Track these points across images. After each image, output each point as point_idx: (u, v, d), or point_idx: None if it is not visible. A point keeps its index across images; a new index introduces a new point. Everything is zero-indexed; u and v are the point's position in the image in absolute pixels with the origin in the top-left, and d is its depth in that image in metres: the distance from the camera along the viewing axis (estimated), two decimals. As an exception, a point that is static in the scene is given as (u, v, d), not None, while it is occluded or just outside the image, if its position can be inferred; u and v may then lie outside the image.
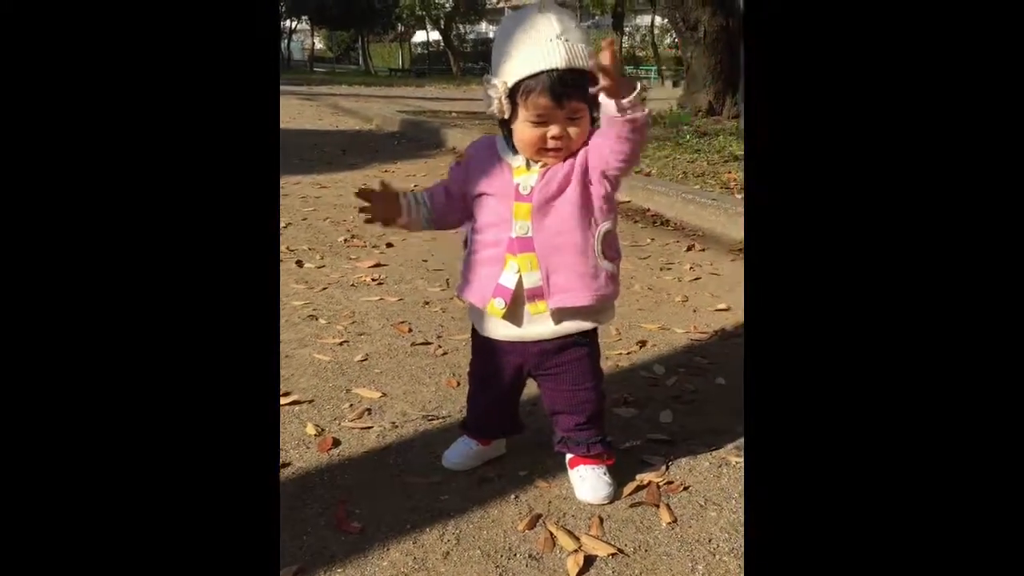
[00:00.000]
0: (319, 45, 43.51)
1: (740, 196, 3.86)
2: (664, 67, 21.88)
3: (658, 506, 1.43)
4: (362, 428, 1.72)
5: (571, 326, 1.38)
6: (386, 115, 8.77)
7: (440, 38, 34.42)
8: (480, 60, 36.12)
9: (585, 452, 1.46)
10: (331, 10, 30.97)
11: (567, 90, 1.22)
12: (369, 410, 1.82)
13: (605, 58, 1.12)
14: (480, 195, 1.37)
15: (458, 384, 1.97)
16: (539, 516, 1.40)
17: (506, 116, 1.29)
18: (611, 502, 1.43)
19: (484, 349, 1.47)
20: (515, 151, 1.34)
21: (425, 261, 3.13)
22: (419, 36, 39.56)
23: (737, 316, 2.54)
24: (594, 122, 1.30)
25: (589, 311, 1.38)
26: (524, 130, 1.28)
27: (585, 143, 1.31)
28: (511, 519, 1.39)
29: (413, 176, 5.24)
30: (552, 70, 1.21)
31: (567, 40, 1.22)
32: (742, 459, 1.62)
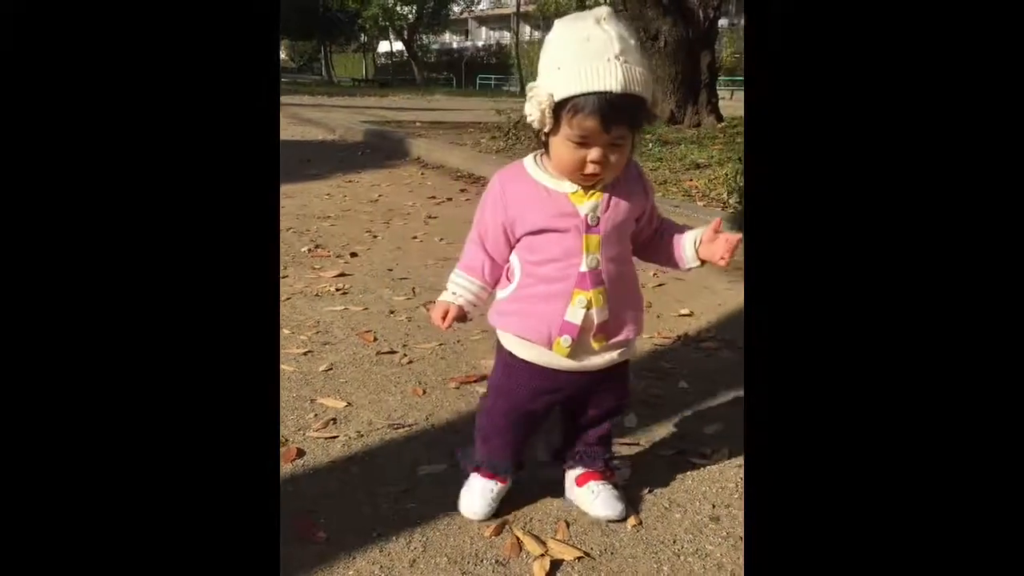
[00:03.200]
0: (282, 56, 43.20)
1: (702, 203, 3.92)
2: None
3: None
4: (327, 438, 1.71)
5: (625, 353, 1.35)
6: (349, 125, 8.73)
7: (404, 48, 34.38)
8: (444, 70, 36.17)
9: (602, 468, 1.44)
10: (293, 20, 30.77)
11: (617, 115, 1.12)
12: (334, 420, 1.80)
13: (729, 246, 1.23)
14: (536, 232, 1.24)
15: (424, 392, 1.97)
16: (505, 522, 1.40)
17: (546, 129, 1.17)
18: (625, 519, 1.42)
19: (525, 377, 1.34)
20: (547, 171, 1.24)
21: (390, 270, 3.13)
22: (383, 46, 39.47)
23: (700, 321, 2.57)
24: (634, 148, 1.25)
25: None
26: (563, 149, 1.17)
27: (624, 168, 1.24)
28: (477, 525, 1.39)
29: (378, 186, 5.22)
30: (606, 92, 1.10)
31: (626, 62, 1.11)
32: (706, 461, 1.64)
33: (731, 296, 2.82)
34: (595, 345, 1.28)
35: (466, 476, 1.46)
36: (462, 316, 1.35)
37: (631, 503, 1.45)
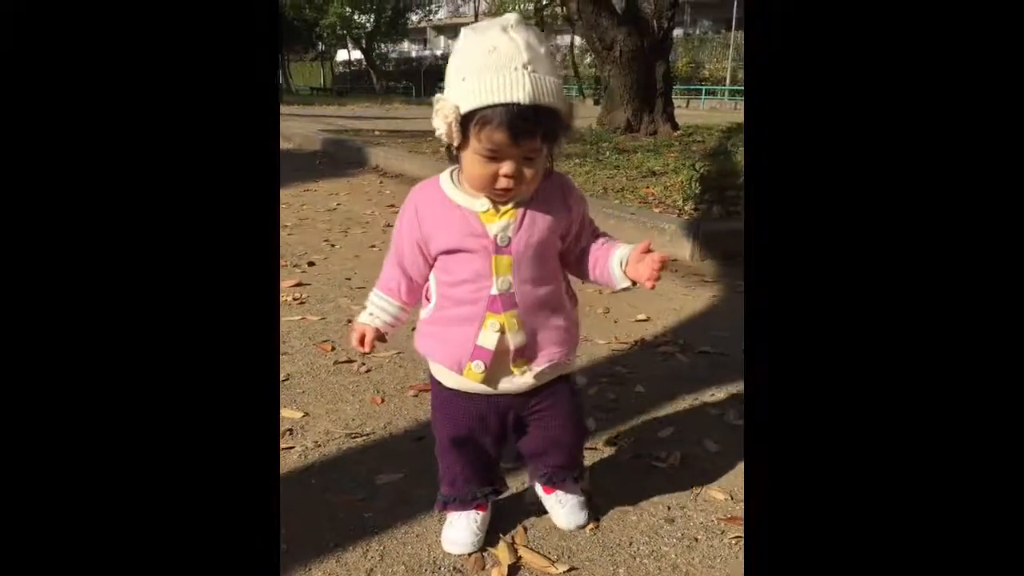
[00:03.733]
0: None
1: (658, 210, 3.97)
2: (585, 85, 22.29)
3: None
4: (284, 448, 1.70)
5: (551, 374, 1.28)
6: (307, 134, 8.66)
7: (362, 57, 34.22)
8: (403, 79, 36.09)
9: (571, 486, 1.43)
10: (249, 28, 30.30)
11: (527, 127, 1.05)
12: (291, 430, 1.79)
13: (655, 267, 1.13)
14: (448, 251, 1.19)
15: (382, 401, 1.96)
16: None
17: (454, 144, 1.12)
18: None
19: (453, 406, 1.30)
20: (461, 187, 1.19)
21: (348, 279, 3.11)
22: (341, 55, 39.25)
23: (656, 326, 2.60)
24: (552, 159, 1.20)
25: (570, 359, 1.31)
26: (474, 164, 1.11)
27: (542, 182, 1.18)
28: (435, 533, 1.39)
29: (336, 194, 5.19)
30: (513, 104, 1.04)
31: (534, 71, 1.05)
32: (662, 464, 1.66)
33: (688, 301, 2.86)
34: (515, 370, 1.23)
35: (445, 514, 1.40)
36: (380, 337, 1.32)
37: (588, 507, 1.46)
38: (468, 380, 1.23)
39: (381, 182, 5.89)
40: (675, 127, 7.58)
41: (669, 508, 1.49)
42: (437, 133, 1.11)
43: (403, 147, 7.22)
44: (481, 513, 1.37)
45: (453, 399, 1.29)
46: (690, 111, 17.13)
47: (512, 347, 1.20)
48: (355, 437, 1.76)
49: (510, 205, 1.16)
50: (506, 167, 1.10)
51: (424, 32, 42.96)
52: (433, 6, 34.84)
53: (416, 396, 1.99)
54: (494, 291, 1.18)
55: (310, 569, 1.28)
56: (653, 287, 1.15)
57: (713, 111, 18.47)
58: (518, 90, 1.04)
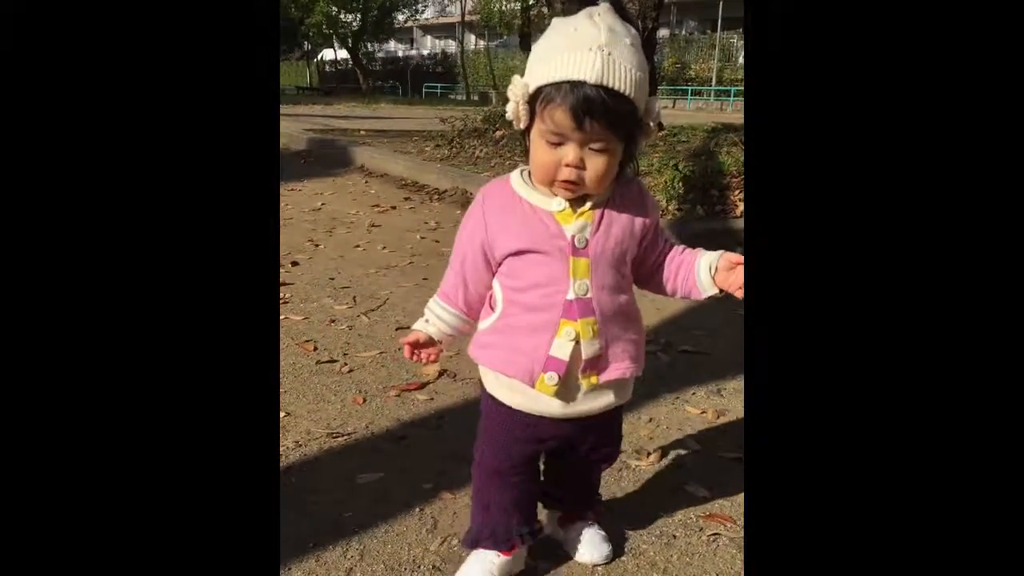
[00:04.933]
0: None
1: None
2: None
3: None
4: (264, 449, 1.69)
5: (620, 397, 1.19)
6: (293, 134, 8.63)
7: (348, 56, 34.14)
8: (389, 78, 36.01)
9: (589, 514, 1.35)
10: (234, 27, 30.10)
11: (591, 109, 0.99)
12: (272, 430, 1.79)
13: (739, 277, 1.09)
14: (518, 253, 1.11)
15: (364, 401, 1.96)
16: (445, 528, 1.41)
17: (522, 125, 1.07)
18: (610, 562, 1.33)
19: (511, 427, 1.19)
20: (534, 186, 1.12)
21: (332, 279, 3.10)
22: (327, 54, 39.14)
23: (639, 325, 2.61)
24: (628, 162, 1.12)
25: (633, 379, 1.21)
26: (538, 148, 1.05)
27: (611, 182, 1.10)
28: (415, 532, 1.39)
29: (320, 194, 5.17)
30: (579, 82, 0.98)
31: (609, 54, 0.99)
32: (640, 462, 1.67)
33: (669, 301, 2.87)
34: (584, 384, 1.13)
35: (468, 552, 1.29)
36: (432, 346, 1.22)
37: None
38: (538, 396, 1.13)
39: (366, 182, 5.88)
40: (660, 127, 7.61)
41: (647, 505, 1.50)
42: (508, 116, 1.07)
43: (389, 147, 7.21)
44: (504, 557, 1.25)
45: (512, 419, 1.17)
46: (676, 111, 17.19)
47: (584, 357, 1.11)
48: (336, 437, 1.76)
49: (587, 205, 1.09)
50: (570, 154, 1.03)
51: (411, 32, 42.87)
52: (419, 6, 34.74)
53: (398, 396, 2.00)
54: (570, 296, 1.09)
55: (290, 568, 1.28)
56: (744, 296, 1.05)
57: (699, 111, 18.53)
58: (587, 68, 0.98)
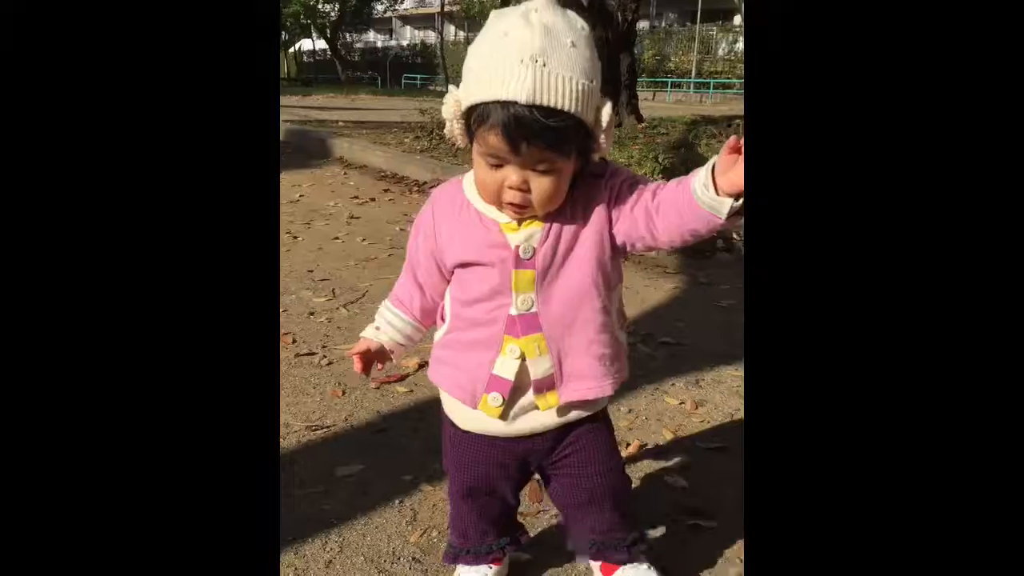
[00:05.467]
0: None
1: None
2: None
3: (540, 501, 1.46)
4: (243, 442, 1.69)
5: (576, 414, 1.08)
6: (270, 124, 8.55)
7: (327, 46, 33.87)
8: (368, 69, 35.78)
9: (626, 558, 1.19)
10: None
11: (526, 133, 0.88)
12: (250, 424, 1.78)
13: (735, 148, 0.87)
14: (463, 264, 1.03)
15: (343, 393, 1.95)
16: (424, 520, 1.41)
17: (460, 144, 0.99)
18: None
19: (467, 450, 1.12)
20: None
21: (310, 271, 3.09)
22: (305, 44, 38.80)
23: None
24: (578, 174, 0.99)
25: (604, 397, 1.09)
26: (479, 168, 0.96)
27: (568, 195, 0.98)
28: (395, 524, 1.39)
29: (299, 186, 5.13)
30: (510, 103, 0.87)
31: (543, 64, 0.87)
32: (620, 451, 1.68)
33: (650, 292, 2.89)
34: (540, 405, 1.04)
35: (453, 566, 1.25)
36: (383, 356, 1.15)
37: (544, 505, 1.47)
38: (484, 418, 1.06)
39: (345, 174, 5.84)
40: (640, 119, 7.63)
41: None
42: (445, 133, 0.99)
43: (367, 138, 7.17)
44: (494, 567, 1.21)
45: (467, 442, 1.11)
46: (656, 103, 17.24)
47: (533, 377, 1.02)
48: (315, 430, 1.76)
49: (537, 214, 0.99)
50: (513, 177, 0.93)
51: (390, 22, 42.61)
52: (399, -4, 34.59)
53: (378, 388, 1.99)
54: (513, 311, 1.00)
55: (268, 562, 1.28)
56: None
57: (679, 103, 18.60)
58: (516, 85, 0.86)
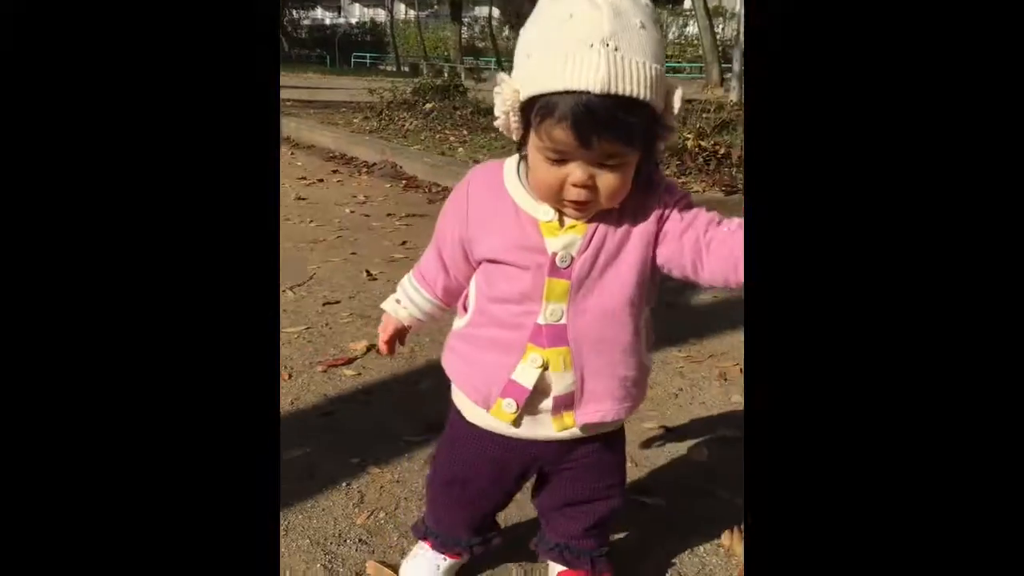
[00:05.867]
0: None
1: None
2: (504, 58, 22.21)
3: (487, 483, 1.47)
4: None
5: (599, 429, 1.04)
6: (215, 102, 8.36)
7: (273, 23, 33.07)
8: (316, 47, 35.11)
9: (588, 568, 1.15)
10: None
11: (600, 125, 0.81)
12: (194, 408, 1.75)
13: None
14: (494, 260, 0.96)
15: (289, 377, 1.93)
16: (372, 502, 1.41)
17: (515, 137, 0.91)
18: None
19: (471, 445, 1.07)
20: (527, 184, 0.94)
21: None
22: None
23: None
24: (641, 169, 0.91)
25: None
26: (538, 166, 0.88)
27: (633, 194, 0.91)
28: (341, 507, 1.39)
29: (244, 166, 5.03)
30: (581, 92, 0.79)
31: (616, 49, 0.80)
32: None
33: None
34: (555, 425, 1.00)
35: (418, 540, 1.22)
36: (403, 332, 1.11)
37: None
38: (495, 419, 1.01)
39: (292, 154, 5.75)
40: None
41: (573, 475, 1.54)
42: (497, 123, 0.90)
43: (315, 118, 7.06)
44: (452, 560, 1.18)
45: (473, 437, 1.06)
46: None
47: (554, 392, 0.97)
48: (261, 413, 1.74)
49: (583, 218, 0.92)
50: (577, 174, 0.85)
51: (337, 0, 41.84)
52: (348, -28, 33.96)
53: (325, 372, 1.98)
54: (541, 320, 0.94)
55: (212, 547, 1.26)
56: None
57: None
58: (590, 74, 0.79)
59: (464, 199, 0.98)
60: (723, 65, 11.56)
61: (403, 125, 6.57)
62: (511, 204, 0.94)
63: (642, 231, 0.93)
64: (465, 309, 1.03)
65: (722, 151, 4.22)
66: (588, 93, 0.79)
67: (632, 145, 0.85)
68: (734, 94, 7.01)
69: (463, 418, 1.06)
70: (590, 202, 0.88)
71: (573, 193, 0.87)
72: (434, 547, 1.18)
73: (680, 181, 4.06)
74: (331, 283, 2.71)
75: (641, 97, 0.81)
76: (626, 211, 0.93)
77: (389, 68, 27.82)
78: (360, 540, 1.30)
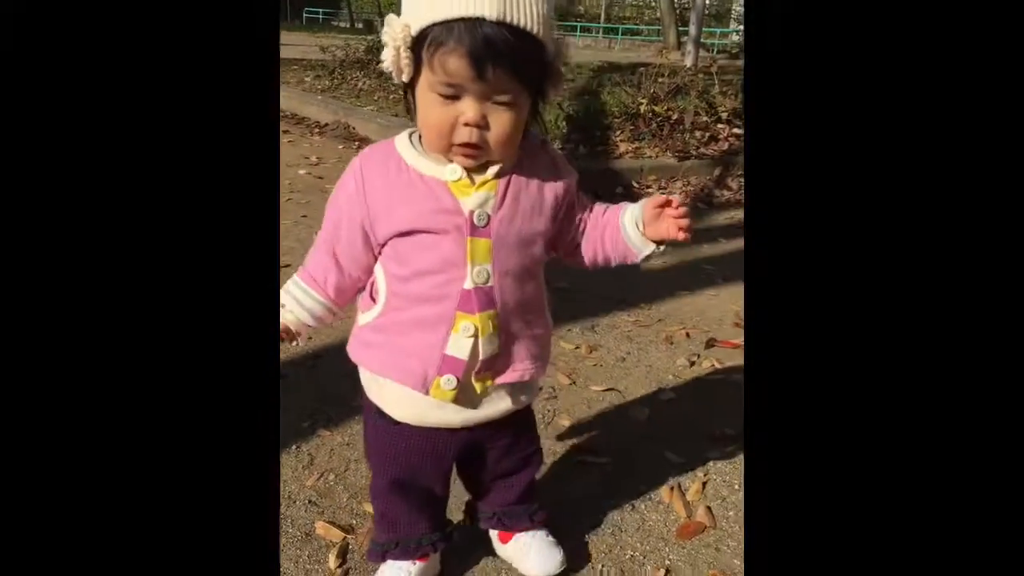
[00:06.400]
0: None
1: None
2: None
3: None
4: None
5: (525, 399, 1.06)
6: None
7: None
8: (268, 1, 33.98)
9: (527, 523, 1.19)
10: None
11: (493, 53, 0.81)
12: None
13: (680, 217, 0.94)
14: (405, 234, 0.93)
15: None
16: (321, 464, 1.43)
17: (405, 78, 0.87)
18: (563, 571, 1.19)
19: (400, 443, 1.05)
20: (423, 151, 0.93)
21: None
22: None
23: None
24: (535, 118, 0.95)
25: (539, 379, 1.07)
26: (428, 107, 0.87)
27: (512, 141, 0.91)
28: (292, 468, 1.41)
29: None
30: (476, 20, 0.80)
31: None
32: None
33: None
34: (477, 386, 0.98)
35: (377, 564, 1.16)
36: (289, 337, 1.04)
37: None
38: (425, 409, 0.99)
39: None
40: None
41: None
42: (384, 66, 0.88)
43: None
44: (421, 563, 1.13)
45: (400, 435, 1.03)
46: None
47: (481, 356, 0.96)
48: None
49: (490, 174, 0.91)
50: (469, 111, 0.85)
51: (290, -49, 40.56)
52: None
53: (275, 335, 1.97)
54: (468, 284, 0.92)
55: (161, 510, 1.27)
56: (687, 239, 0.95)
57: (588, 48, 18.60)
58: (482, 1, 0.80)
59: (358, 182, 0.95)
60: (680, 28, 11.55)
61: (356, 84, 6.45)
62: (414, 174, 0.92)
63: (547, 197, 0.96)
64: (373, 300, 0.99)
65: (675, 116, 4.24)
66: (483, 20, 0.80)
67: (524, 81, 0.86)
68: (689, 59, 7.00)
69: (387, 419, 1.03)
70: (481, 148, 0.88)
71: (464, 134, 0.86)
72: (398, 557, 1.13)
73: (633, 146, 4.09)
74: (282, 246, 2.69)
75: (533, 31, 0.83)
76: (527, 170, 0.94)
77: (342, 24, 27.21)
78: (310, 501, 1.32)
